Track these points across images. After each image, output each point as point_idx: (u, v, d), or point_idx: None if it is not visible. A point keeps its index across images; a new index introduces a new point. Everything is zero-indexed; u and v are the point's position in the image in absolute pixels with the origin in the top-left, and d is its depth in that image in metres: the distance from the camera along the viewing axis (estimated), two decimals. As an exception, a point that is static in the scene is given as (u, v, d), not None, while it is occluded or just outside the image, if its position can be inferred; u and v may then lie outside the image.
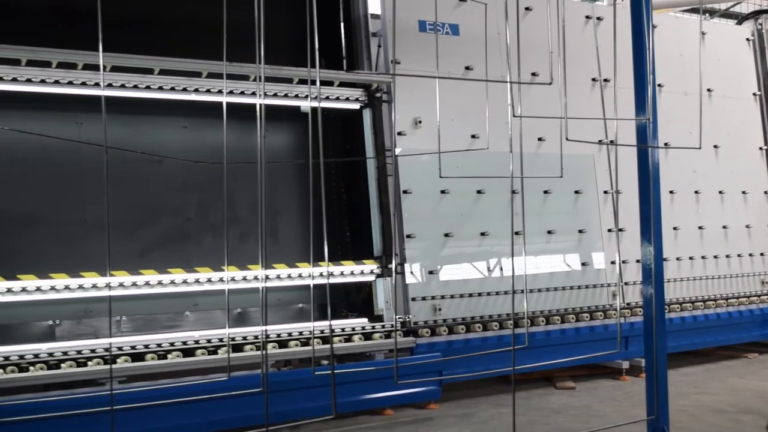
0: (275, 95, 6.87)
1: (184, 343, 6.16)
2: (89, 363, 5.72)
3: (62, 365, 5.63)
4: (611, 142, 5.84)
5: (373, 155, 7.21)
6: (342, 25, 7.20)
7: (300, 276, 6.84)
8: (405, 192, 7.24)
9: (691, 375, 8.48)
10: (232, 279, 6.48)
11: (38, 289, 5.86)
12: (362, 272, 7.10)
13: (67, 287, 5.95)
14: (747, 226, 9.58)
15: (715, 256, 9.26)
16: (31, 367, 5.53)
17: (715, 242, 9.29)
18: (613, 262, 8.28)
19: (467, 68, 7.68)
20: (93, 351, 5.80)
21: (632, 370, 8.33)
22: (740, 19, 10.99)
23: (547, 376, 8.20)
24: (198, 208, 6.99)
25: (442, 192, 7.44)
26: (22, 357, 5.56)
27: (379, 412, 6.83)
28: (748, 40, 10.11)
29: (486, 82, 5.65)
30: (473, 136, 7.57)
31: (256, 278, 6.60)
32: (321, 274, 6.69)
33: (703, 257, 9.14)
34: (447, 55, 7.45)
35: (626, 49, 5.31)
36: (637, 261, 7.18)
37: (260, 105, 3.79)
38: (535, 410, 6.95)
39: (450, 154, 6.59)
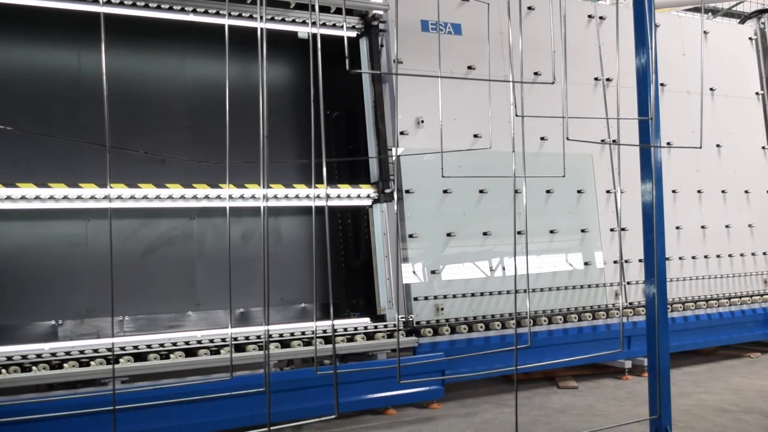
0: (272, 19, 6.89)
1: (187, 343, 6.15)
2: (92, 363, 5.72)
3: (65, 365, 5.63)
4: (614, 141, 5.84)
5: (371, 85, 7.21)
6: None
7: (297, 197, 6.86)
8: (407, 191, 7.23)
9: (693, 374, 8.48)
10: (230, 197, 6.48)
11: (37, 197, 5.83)
12: (359, 196, 7.12)
13: (65, 197, 5.93)
14: (749, 226, 9.56)
15: (718, 256, 9.24)
16: (34, 367, 5.53)
17: (717, 241, 9.27)
18: (615, 262, 8.27)
19: (470, 68, 7.68)
20: (95, 351, 5.79)
21: (635, 370, 8.33)
22: (743, 18, 10.98)
23: (550, 376, 8.20)
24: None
25: (445, 191, 7.43)
26: (24, 357, 5.56)
27: (382, 412, 6.83)
28: (750, 39, 10.10)
29: (488, 82, 5.66)
30: (475, 136, 7.56)
31: (253, 197, 6.64)
32: (318, 196, 6.69)
33: (705, 256, 9.13)
34: (449, 55, 7.45)
35: (628, 48, 5.31)
36: (640, 260, 7.17)
37: (261, 29, 3.73)
38: (537, 410, 6.94)
39: (452, 154, 6.59)
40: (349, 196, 7.09)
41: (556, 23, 6.75)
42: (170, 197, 6.34)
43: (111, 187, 6.01)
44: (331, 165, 7.47)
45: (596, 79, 8.32)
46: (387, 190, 7.08)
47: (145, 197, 6.24)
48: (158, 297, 6.86)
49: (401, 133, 7.27)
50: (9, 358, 5.52)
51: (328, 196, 6.73)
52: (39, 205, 5.88)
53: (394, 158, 7.11)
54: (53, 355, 5.66)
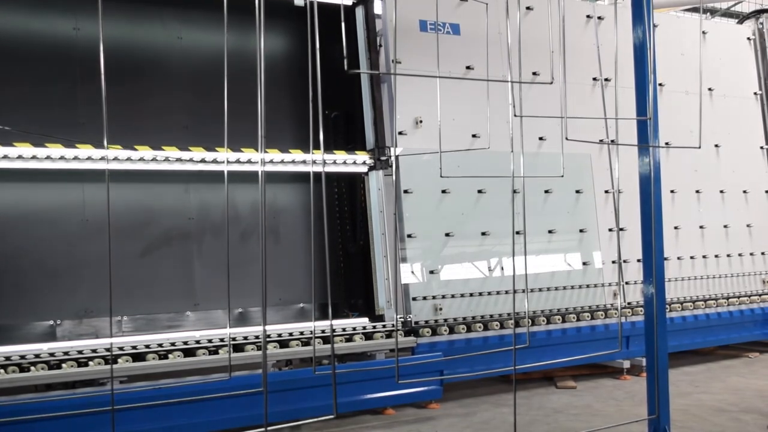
0: None
1: (185, 343, 6.16)
2: (90, 363, 5.72)
3: (63, 365, 5.63)
4: (612, 141, 5.84)
5: (366, 54, 7.24)
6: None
7: (293, 162, 6.89)
8: (406, 192, 7.23)
9: (692, 374, 8.49)
10: (227, 160, 6.48)
11: (34, 157, 5.84)
12: (355, 162, 7.16)
13: (62, 157, 5.94)
14: (748, 226, 9.57)
15: (716, 256, 9.25)
16: (33, 368, 5.53)
17: (716, 241, 9.28)
18: (613, 262, 8.27)
19: (468, 68, 7.68)
20: (94, 351, 5.79)
21: (633, 370, 8.33)
22: (741, 18, 10.98)
23: (548, 376, 8.20)
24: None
25: (443, 192, 7.43)
26: (23, 357, 5.56)
27: (380, 412, 6.84)
28: (749, 39, 10.10)
29: (487, 82, 5.66)
30: (474, 136, 7.56)
31: (249, 161, 6.66)
32: (314, 162, 6.68)
33: (704, 256, 9.14)
34: (448, 55, 7.45)
35: (627, 48, 5.31)
36: (638, 260, 7.16)
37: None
38: (536, 410, 6.95)
39: (451, 154, 6.59)
40: (345, 162, 7.11)
41: (555, 23, 6.74)
42: (167, 159, 6.34)
43: (108, 148, 5.96)
44: (328, 135, 7.45)
45: (594, 79, 8.32)
46: (383, 157, 7.09)
47: (141, 159, 6.23)
48: (157, 297, 6.85)
49: (400, 133, 7.26)
50: (7, 359, 5.52)
51: (324, 162, 6.71)
52: (36, 165, 5.88)
53: (392, 158, 7.12)
54: (52, 355, 5.65)
